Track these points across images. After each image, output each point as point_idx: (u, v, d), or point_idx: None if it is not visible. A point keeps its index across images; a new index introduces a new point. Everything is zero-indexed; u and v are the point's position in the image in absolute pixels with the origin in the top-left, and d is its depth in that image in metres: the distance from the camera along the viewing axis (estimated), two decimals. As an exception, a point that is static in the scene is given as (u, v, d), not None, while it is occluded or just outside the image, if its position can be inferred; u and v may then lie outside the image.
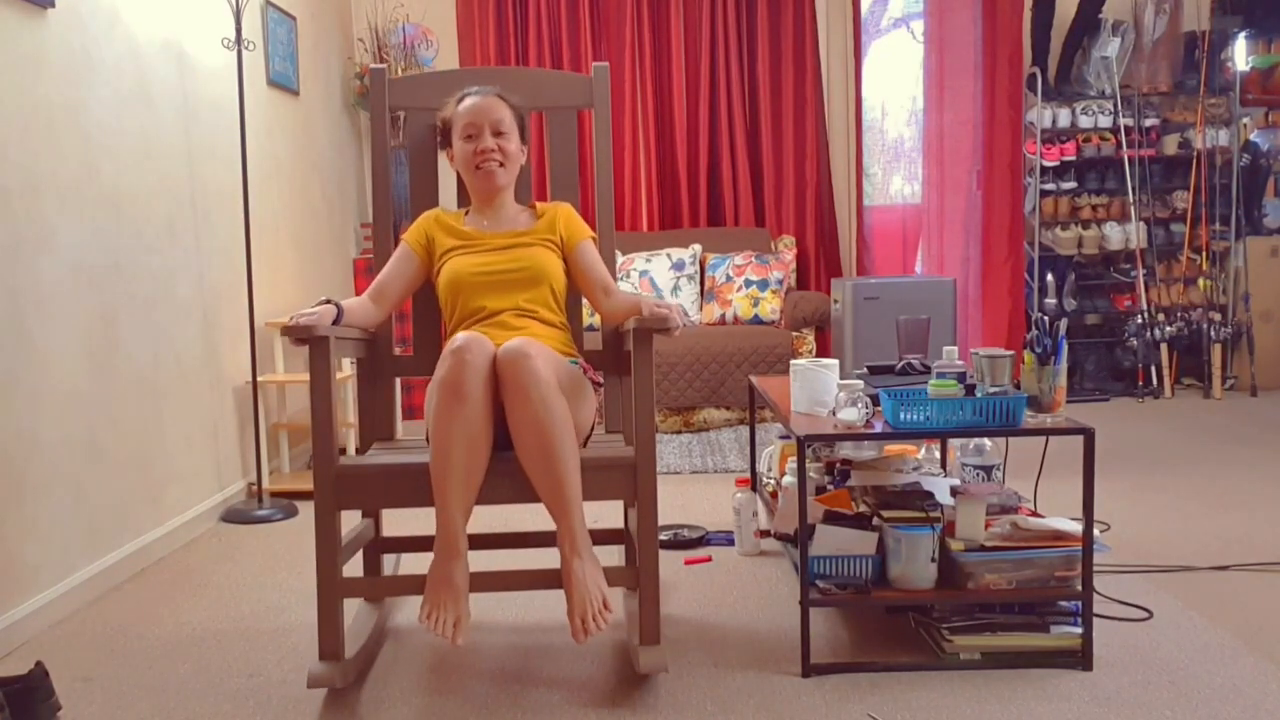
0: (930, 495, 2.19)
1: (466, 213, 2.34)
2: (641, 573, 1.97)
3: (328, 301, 2.06)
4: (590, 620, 1.83)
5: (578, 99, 2.43)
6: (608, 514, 3.16)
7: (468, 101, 2.24)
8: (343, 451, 3.78)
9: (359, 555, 2.65)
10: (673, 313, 1.96)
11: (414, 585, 2.03)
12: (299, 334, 1.90)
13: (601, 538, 2.43)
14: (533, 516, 3.15)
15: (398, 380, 3.60)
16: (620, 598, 2.46)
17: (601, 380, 2.27)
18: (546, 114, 2.45)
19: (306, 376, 3.60)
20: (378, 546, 2.42)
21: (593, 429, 2.20)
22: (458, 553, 1.85)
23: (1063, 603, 2.07)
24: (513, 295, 2.21)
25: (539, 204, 2.35)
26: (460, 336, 1.91)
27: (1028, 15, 5.18)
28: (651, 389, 1.96)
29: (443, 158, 2.37)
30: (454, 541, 1.85)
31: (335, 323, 2.02)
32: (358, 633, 2.19)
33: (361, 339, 2.28)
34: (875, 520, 2.11)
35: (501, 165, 2.24)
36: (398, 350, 2.44)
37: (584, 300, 2.44)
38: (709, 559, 2.76)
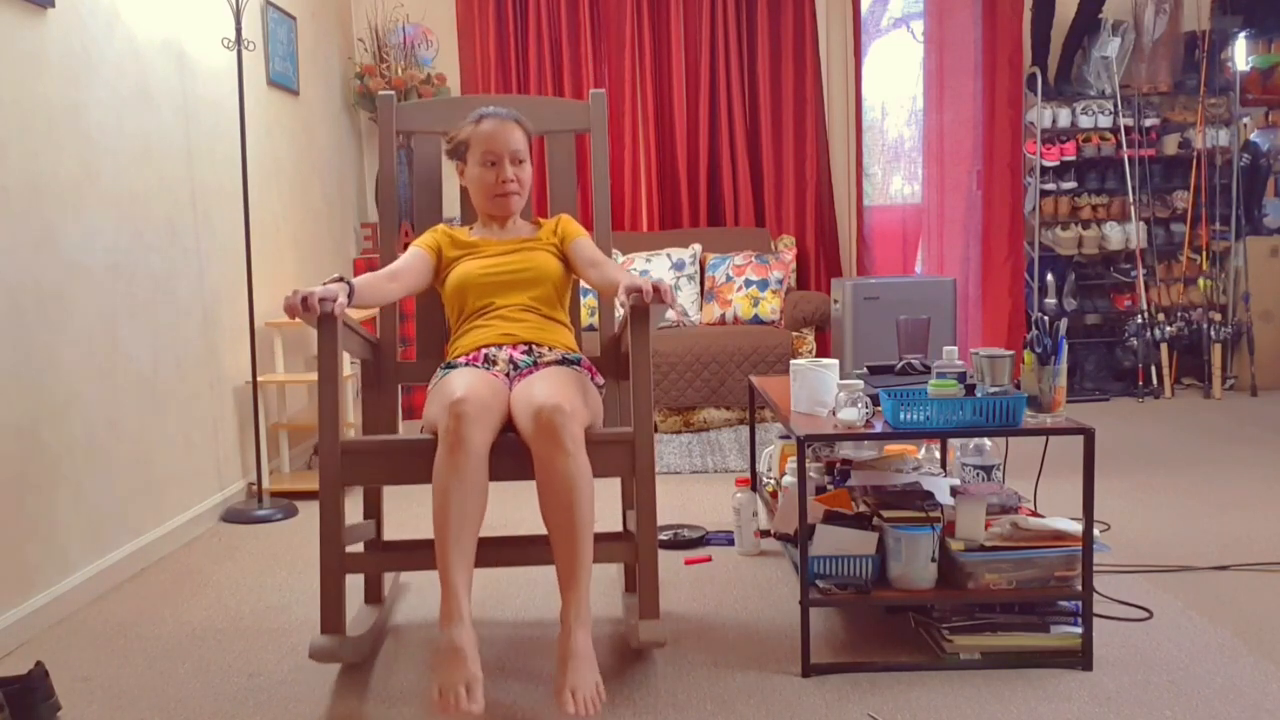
0: (930, 495, 2.19)
1: (471, 228, 2.40)
2: (640, 545, 1.97)
3: (340, 279, 2.07)
4: (583, 700, 1.76)
5: (576, 123, 2.52)
6: (607, 516, 3.16)
7: (487, 127, 2.27)
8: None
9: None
10: (660, 285, 1.96)
11: (417, 560, 2.05)
12: (294, 313, 1.93)
13: (600, 539, 2.43)
14: (532, 517, 3.15)
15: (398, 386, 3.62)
16: (619, 597, 2.46)
17: (602, 382, 2.28)
18: (547, 137, 2.52)
19: (306, 376, 3.60)
20: (379, 548, 2.42)
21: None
22: (459, 616, 1.82)
23: (1063, 602, 2.07)
24: (518, 294, 2.26)
25: (540, 219, 2.42)
26: (460, 388, 1.92)
27: (1028, 15, 5.18)
28: (649, 365, 1.98)
29: (449, 171, 2.42)
30: (456, 604, 1.83)
31: (350, 299, 2.04)
32: (357, 631, 2.19)
33: (367, 339, 2.31)
34: (875, 520, 2.11)
35: (517, 194, 2.31)
36: (399, 348, 2.46)
37: (583, 300, 2.46)
38: (709, 559, 2.76)
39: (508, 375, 2.14)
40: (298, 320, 2.00)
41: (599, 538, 1.97)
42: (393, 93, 2.56)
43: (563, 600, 1.88)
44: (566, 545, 1.87)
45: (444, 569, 1.85)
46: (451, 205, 2.39)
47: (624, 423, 2.39)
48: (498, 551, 2.03)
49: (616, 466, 1.99)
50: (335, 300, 1.98)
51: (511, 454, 1.96)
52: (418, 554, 2.08)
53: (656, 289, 1.95)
